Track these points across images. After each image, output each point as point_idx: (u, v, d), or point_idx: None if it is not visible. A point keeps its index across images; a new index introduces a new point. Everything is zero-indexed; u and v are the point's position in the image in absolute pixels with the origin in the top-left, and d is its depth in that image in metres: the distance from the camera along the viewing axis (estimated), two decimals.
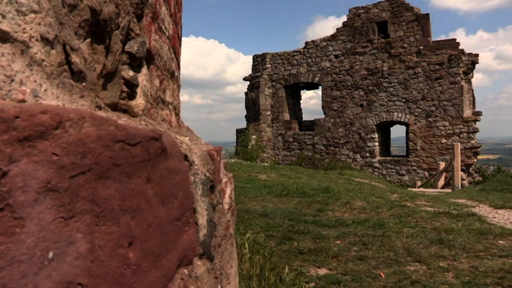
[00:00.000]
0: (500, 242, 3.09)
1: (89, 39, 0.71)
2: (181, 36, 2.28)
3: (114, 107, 0.84)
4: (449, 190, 9.50)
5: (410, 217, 3.98)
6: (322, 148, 15.80)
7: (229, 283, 1.30)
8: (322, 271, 2.28)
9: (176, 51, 1.97)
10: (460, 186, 9.65)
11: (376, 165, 15.10)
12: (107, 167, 0.55)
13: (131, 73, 0.91)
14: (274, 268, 1.94)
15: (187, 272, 0.88)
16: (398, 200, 5.00)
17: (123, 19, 0.84)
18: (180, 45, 2.36)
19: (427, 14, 14.45)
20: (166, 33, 1.59)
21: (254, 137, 15.04)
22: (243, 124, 16.23)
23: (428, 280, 2.16)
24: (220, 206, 1.24)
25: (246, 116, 16.19)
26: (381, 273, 2.28)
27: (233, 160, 10.81)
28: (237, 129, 15.49)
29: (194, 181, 0.98)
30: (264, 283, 1.64)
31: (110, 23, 0.77)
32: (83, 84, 0.69)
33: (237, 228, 2.94)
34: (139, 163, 0.65)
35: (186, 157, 0.94)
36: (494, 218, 4.44)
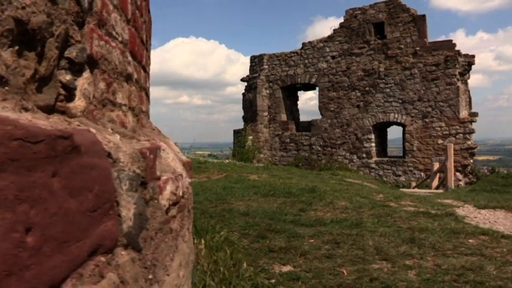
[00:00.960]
0: (470, 240, 3.15)
1: (16, 47, 0.80)
2: (146, 40, 2.35)
3: (50, 108, 0.93)
4: (442, 190, 9.53)
5: (389, 217, 4.04)
6: (319, 149, 15.85)
7: (168, 274, 1.39)
8: (287, 268, 2.35)
9: (137, 55, 2.05)
10: (452, 187, 9.69)
11: (373, 166, 15.14)
12: (2, 161, 0.64)
13: (68, 77, 1.00)
14: (236, 264, 2.02)
15: (104, 260, 0.96)
16: (382, 200, 5.06)
17: (58, 27, 0.92)
18: (146, 49, 2.43)
19: (424, 15, 14.49)
20: (119, 38, 1.67)
21: (251, 137, 15.12)
22: (242, 125, 16.32)
23: (389, 277, 2.22)
24: (156, 201, 1.32)
25: (243, 117, 16.27)
26: (344, 271, 2.35)
27: (227, 161, 10.90)
28: (234, 130, 15.58)
29: (118, 177, 1.06)
30: (217, 278, 1.72)
31: (41, 32, 0.86)
32: (6, 88, 0.77)
33: (212, 227, 3.01)
34: (43, 159, 0.73)
35: (109, 154, 1.03)
36: (475, 217, 4.49)
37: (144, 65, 2.34)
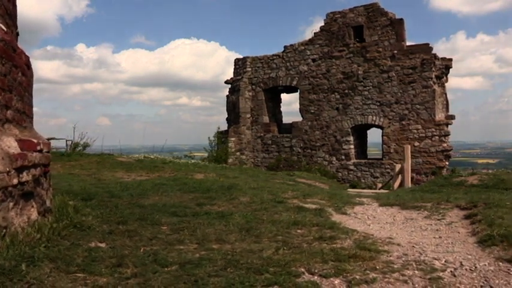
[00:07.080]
0: (298, 230, 3.51)
1: None
2: None
3: None
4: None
5: (265, 211, 4.42)
6: (300, 150, 16.14)
7: None
8: (100, 244, 2.82)
9: None
10: (410, 187, 9.84)
11: (351, 167, 15.30)
12: None
13: None
14: (41, 237, 2.52)
15: None
16: (286, 198, 5.42)
17: None
18: None
19: (401, 19, 14.60)
20: None
21: (233, 139, 15.58)
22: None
23: (172, 255, 2.62)
24: None
25: (227, 119, 16.77)
26: (142, 249, 2.80)
27: (193, 161, 11.43)
28: (216, 132, 16.09)
29: None
30: (8, 241, 2.24)
31: None
32: None
33: (85, 214, 3.55)
34: None
35: None
36: (363, 213, 4.81)
37: None
